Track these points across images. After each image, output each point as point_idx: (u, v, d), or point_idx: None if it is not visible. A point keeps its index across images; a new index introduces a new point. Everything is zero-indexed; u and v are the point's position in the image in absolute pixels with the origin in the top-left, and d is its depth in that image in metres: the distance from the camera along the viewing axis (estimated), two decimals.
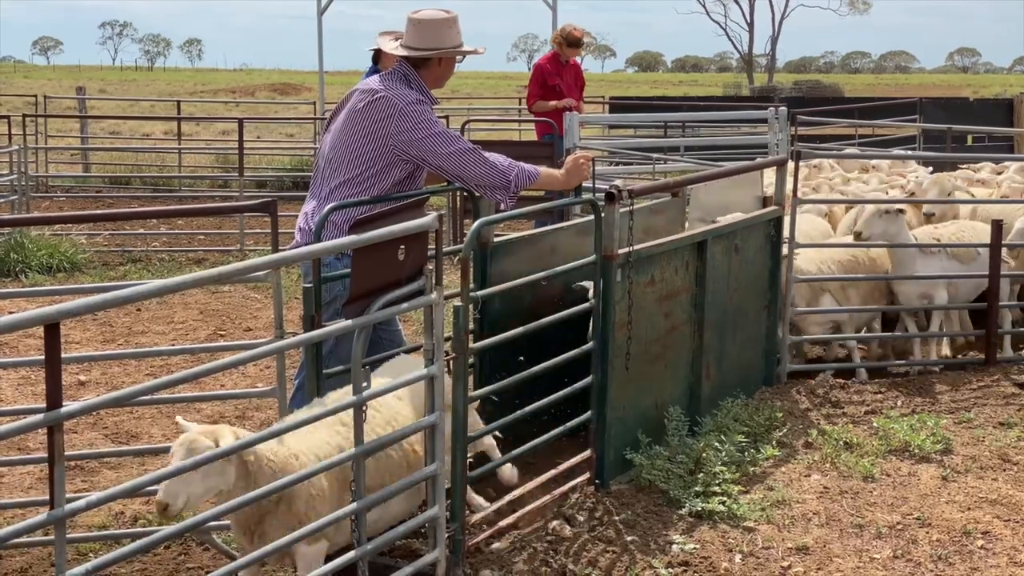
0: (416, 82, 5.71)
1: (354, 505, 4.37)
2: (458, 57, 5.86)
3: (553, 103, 12.49)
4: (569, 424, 5.86)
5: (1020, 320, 9.36)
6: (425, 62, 5.73)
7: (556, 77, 12.70)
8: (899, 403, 7.70)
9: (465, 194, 6.26)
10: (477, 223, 5.16)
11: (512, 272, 6.04)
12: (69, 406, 3.23)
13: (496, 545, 5.26)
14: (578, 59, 13.37)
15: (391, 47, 5.87)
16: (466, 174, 5.63)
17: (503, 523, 5.36)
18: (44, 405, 3.21)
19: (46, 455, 3.29)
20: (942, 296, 8.41)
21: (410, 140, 5.55)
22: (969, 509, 5.98)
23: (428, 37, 5.69)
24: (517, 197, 5.71)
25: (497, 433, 5.57)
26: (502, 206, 5.75)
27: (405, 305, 4.49)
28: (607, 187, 5.90)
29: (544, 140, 12.72)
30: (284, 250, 5.25)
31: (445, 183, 5.99)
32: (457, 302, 4.84)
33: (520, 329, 5.47)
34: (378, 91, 5.64)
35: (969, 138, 19.06)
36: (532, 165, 5.77)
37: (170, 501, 4.04)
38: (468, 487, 5.22)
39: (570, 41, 12.77)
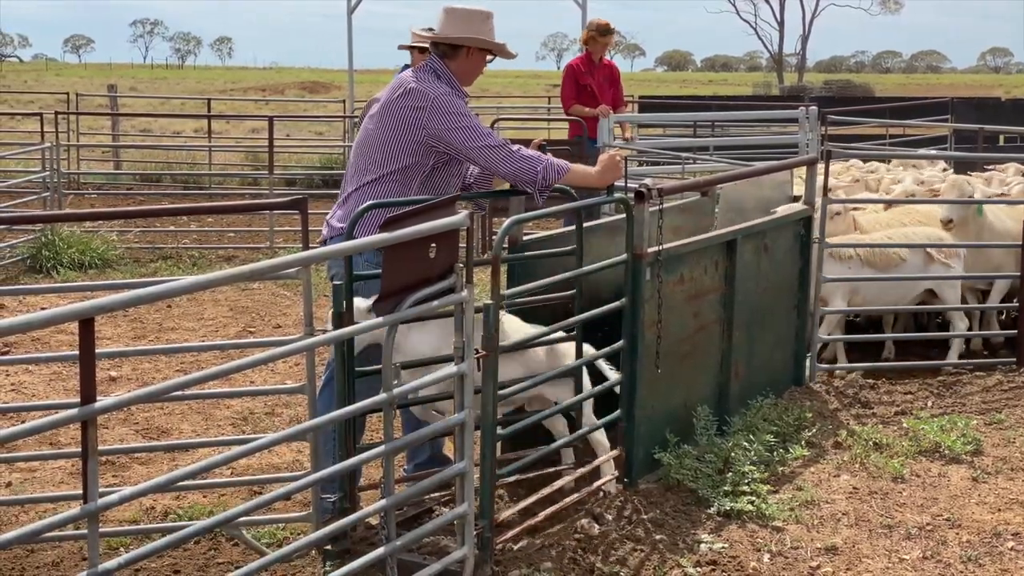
0: (446, 75, 5.71)
1: (383, 502, 4.39)
2: (488, 57, 5.86)
3: (588, 110, 12.43)
4: (598, 423, 5.86)
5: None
6: (454, 54, 5.72)
7: (588, 77, 12.57)
8: (929, 404, 7.67)
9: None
10: (508, 221, 5.15)
11: (542, 271, 6.03)
12: (103, 401, 3.26)
13: (524, 543, 5.27)
14: (607, 56, 13.22)
15: (423, 31, 5.87)
16: (495, 168, 5.65)
17: (531, 521, 5.37)
18: (76, 400, 3.24)
19: (78, 450, 3.32)
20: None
21: (440, 130, 5.55)
22: (999, 510, 5.95)
23: (459, 26, 5.70)
24: (548, 191, 5.71)
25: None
26: (537, 201, 5.75)
27: (435, 303, 4.50)
28: (637, 186, 5.90)
29: (574, 140, 12.69)
30: (314, 247, 5.28)
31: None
32: (488, 300, 4.84)
33: (546, 328, 5.48)
34: (409, 84, 5.65)
35: (1001, 138, 18.93)
36: (562, 160, 5.76)
37: None
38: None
39: (603, 30, 12.64)
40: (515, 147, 5.64)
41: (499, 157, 5.59)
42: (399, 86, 5.69)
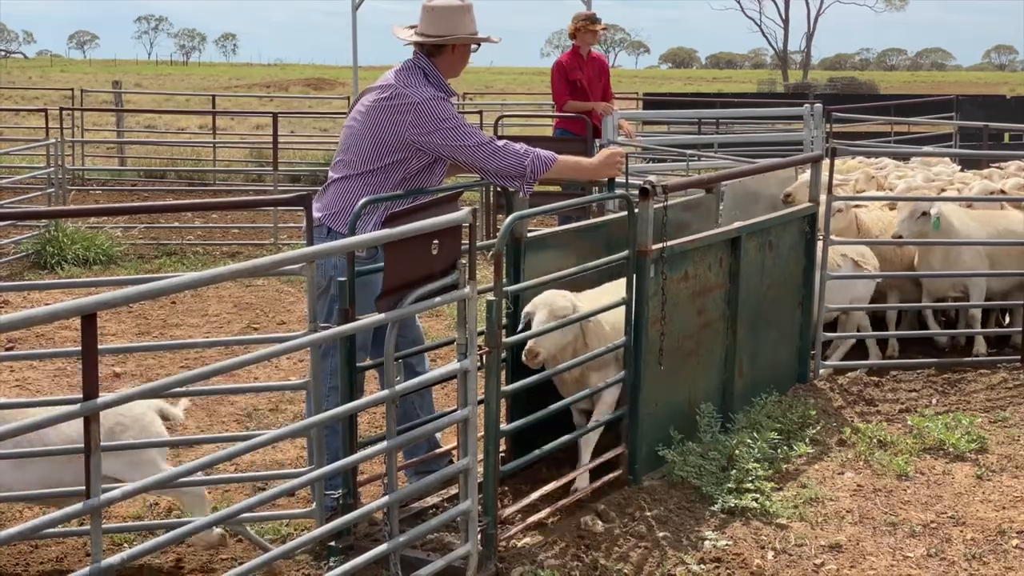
0: (433, 75, 5.71)
1: (386, 498, 4.39)
2: (473, 46, 5.86)
3: (586, 105, 12.20)
4: (602, 419, 5.86)
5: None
6: (439, 50, 5.73)
7: (577, 72, 12.24)
8: (934, 401, 7.66)
9: (499, 189, 6.26)
10: (511, 217, 5.15)
11: (545, 267, 6.04)
12: (105, 396, 3.26)
13: (528, 540, 5.27)
14: (597, 48, 12.88)
15: (406, 35, 5.87)
16: (482, 166, 5.65)
17: (535, 518, 5.37)
18: (79, 396, 3.24)
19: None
20: None
21: (423, 133, 5.55)
22: (1004, 508, 5.95)
23: (441, 24, 5.70)
24: (534, 184, 5.70)
25: None
26: (520, 194, 5.75)
27: (438, 299, 4.50)
28: (641, 183, 5.89)
29: (556, 135, 12.59)
30: (318, 243, 5.27)
31: (469, 176, 6.04)
32: (490, 296, 4.84)
33: (553, 324, 5.48)
34: (396, 87, 5.63)
35: (1006, 136, 18.90)
36: (549, 152, 5.73)
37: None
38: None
39: (591, 18, 12.28)
40: (501, 143, 5.63)
41: (484, 154, 5.58)
42: (386, 88, 5.67)
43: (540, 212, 5.78)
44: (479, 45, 5.88)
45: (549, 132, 19.37)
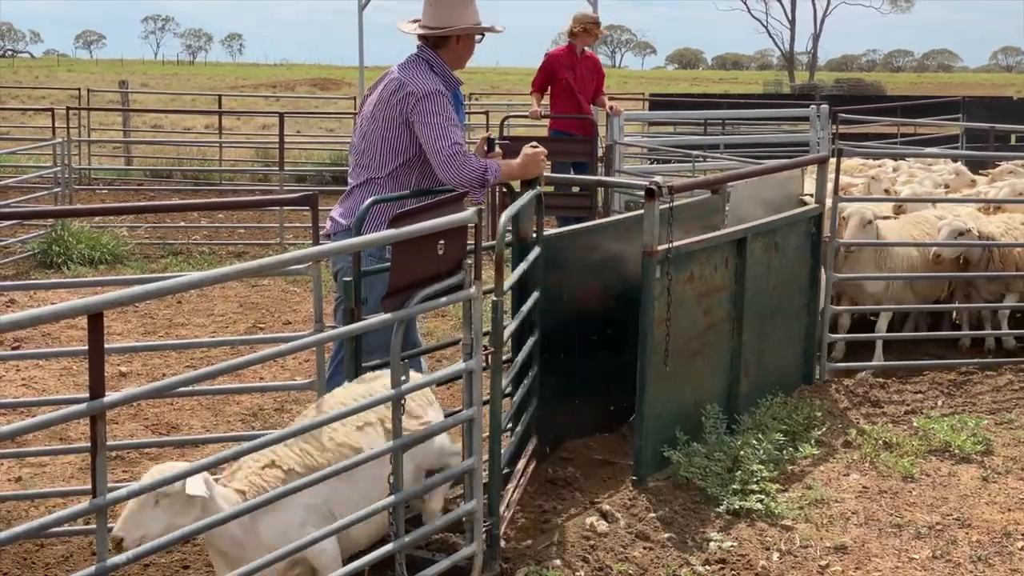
0: (439, 66, 5.72)
1: (392, 498, 4.38)
2: (477, 36, 5.86)
3: (535, 107, 12.58)
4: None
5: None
6: (444, 42, 5.74)
7: (568, 70, 12.24)
8: (939, 403, 7.65)
9: (504, 189, 6.23)
10: (504, 216, 5.09)
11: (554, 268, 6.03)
12: (111, 396, 3.26)
13: (532, 540, 5.26)
14: (592, 49, 12.86)
15: (409, 28, 5.86)
16: (436, 168, 5.58)
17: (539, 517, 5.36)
18: (86, 395, 3.24)
19: (88, 445, 3.31)
20: None
21: (415, 118, 5.54)
22: (1010, 510, 5.94)
23: (444, 15, 5.70)
24: (482, 192, 5.65)
25: None
26: (477, 197, 5.69)
27: (444, 299, 4.50)
28: (647, 183, 5.89)
29: (551, 135, 12.63)
30: (323, 243, 5.28)
31: None
32: (495, 297, 4.83)
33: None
34: (400, 80, 5.64)
35: (1012, 137, 18.87)
36: (495, 163, 5.66)
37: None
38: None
39: (596, 21, 12.37)
40: (463, 155, 5.54)
41: (441, 160, 5.49)
42: (391, 83, 5.66)
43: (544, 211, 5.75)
44: (483, 35, 5.87)
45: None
